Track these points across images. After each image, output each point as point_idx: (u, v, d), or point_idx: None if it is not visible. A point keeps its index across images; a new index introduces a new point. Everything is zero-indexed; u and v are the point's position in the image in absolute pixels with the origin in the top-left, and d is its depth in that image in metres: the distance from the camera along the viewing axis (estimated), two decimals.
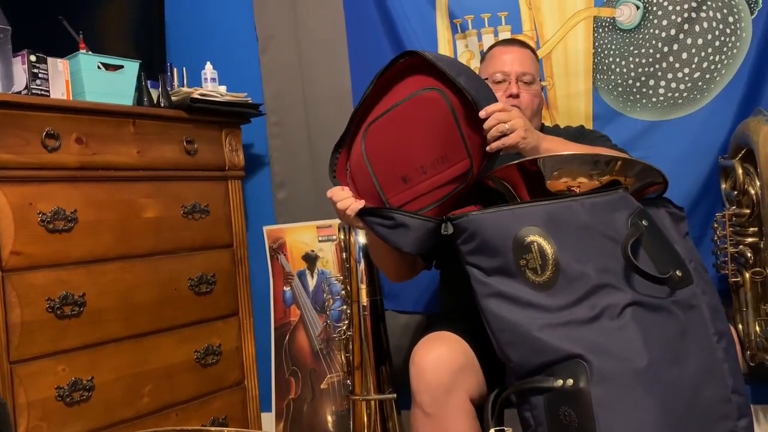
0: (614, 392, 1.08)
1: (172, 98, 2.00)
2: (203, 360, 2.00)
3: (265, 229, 2.38)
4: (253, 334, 2.20)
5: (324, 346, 2.29)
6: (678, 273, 1.17)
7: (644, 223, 1.19)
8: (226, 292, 2.11)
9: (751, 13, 1.90)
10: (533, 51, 1.75)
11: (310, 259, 2.33)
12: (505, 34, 2.12)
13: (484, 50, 2.10)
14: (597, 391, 1.08)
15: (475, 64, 2.16)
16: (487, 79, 1.64)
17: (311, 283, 2.33)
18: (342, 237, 2.19)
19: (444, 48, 2.19)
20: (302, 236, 2.34)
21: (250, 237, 2.27)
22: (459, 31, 2.17)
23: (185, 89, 2.02)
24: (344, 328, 2.03)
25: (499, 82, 1.64)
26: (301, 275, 2.34)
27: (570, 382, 1.10)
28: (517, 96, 1.61)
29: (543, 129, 1.79)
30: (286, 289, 2.35)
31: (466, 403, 1.32)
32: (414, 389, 1.32)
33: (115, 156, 1.82)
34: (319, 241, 2.32)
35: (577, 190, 1.25)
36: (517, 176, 1.31)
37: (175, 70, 2.12)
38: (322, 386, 2.28)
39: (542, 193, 1.25)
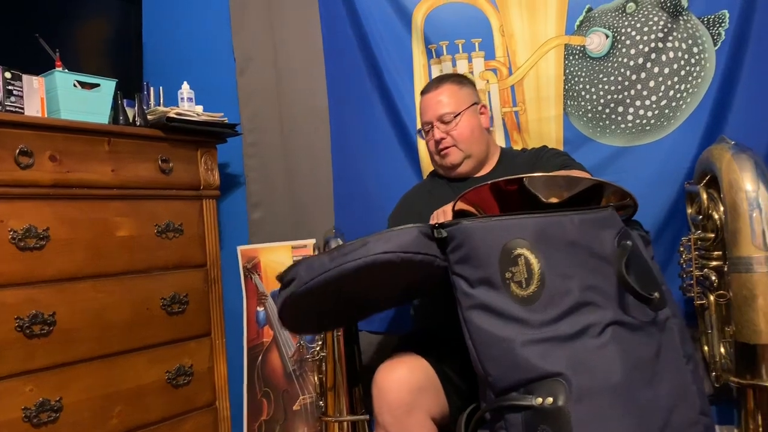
0: (593, 411, 1.09)
1: (148, 117, 1.99)
2: (174, 380, 1.97)
3: (239, 248, 2.37)
4: (225, 355, 2.18)
5: (297, 367, 2.28)
6: (656, 294, 1.19)
7: (629, 243, 1.19)
8: (198, 312, 2.09)
9: (715, 44, 1.97)
10: (455, 80, 1.82)
11: None
12: (478, 61, 2.18)
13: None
14: (576, 409, 1.08)
15: None
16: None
17: None
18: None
19: (419, 73, 2.23)
20: (277, 256, 2.34)
21: (223, 257, 2.26)
22: (434, 56, 2.21)
23: (161, 108, 2.01)
24: (317, 349, 2.02)
25: (427, 132, 1.79)
26: (275, 295, 2.33)
27: (549, 400, 1.09)
28: (440, 140, 1.74)
29: (502, 153, 1.85)
30: (260, 309, 2.34)
31: (427, 422, 1.34)
32: (376, 410, 1.33)
33: (89, 174, 1.80)
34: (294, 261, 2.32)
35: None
36: (490, 197, 1.33)
37: (151, 89, 2.12)
38: (294, 408, 2.26)
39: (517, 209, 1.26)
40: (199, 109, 2.10)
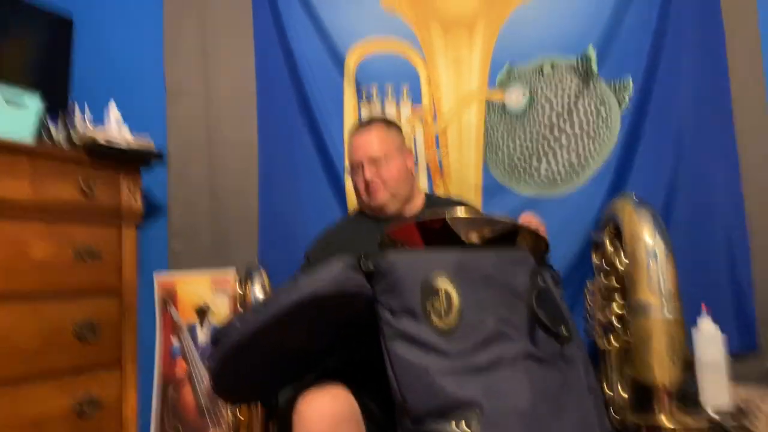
0: None
1: (73, 137, 1.95)
2: (81, 411, 1.89)
3: (157, 278, 2.32)
4: (135, 387, 2.11)
5: (209, 402, 2.23)
6: (564, 330, 1.27)
7: (540, 281, 1.28)
8: (111, 341, 2.02)
9: (620, 108, 2.16)
10: (387, 123, 1.89)
11: (202, 312, 2.30)
12: (406, 106, 2.28)
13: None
14: None
15: None
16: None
17: (201, 336, 2.29)
18: (238, 289, 2.18)
19: (350, 114, 2.30)
20: (195, 287, 2.31)
21: (140, 286, 2.21)
22: (364, 98, 2.30)
23: (90, 131, 1.98)
24: None
25: (356, 172, 1.84)
26: (192, 328, 2.29)
27: (463, 427, 1.15)
28: (370, 181, 1.80)
29: (426, 197, 1.94)
30: (175, 342, 2.29)
31: None
32: None
33: (5, 191, 1.74)
34: (213, 293, 2.30)
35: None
36: (416, 234, 1.40)
37: (77, 107, 2.07)
38: None
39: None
40: (127, 133, 2.07)
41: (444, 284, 1.23)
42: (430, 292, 1.22)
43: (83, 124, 2.04)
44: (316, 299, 1.24)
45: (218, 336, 1.31)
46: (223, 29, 2.41)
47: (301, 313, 1.26)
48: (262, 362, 1.36)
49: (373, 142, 1.83)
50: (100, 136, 1.96)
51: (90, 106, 2.12)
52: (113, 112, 2.09)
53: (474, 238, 1.40)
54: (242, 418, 1.93)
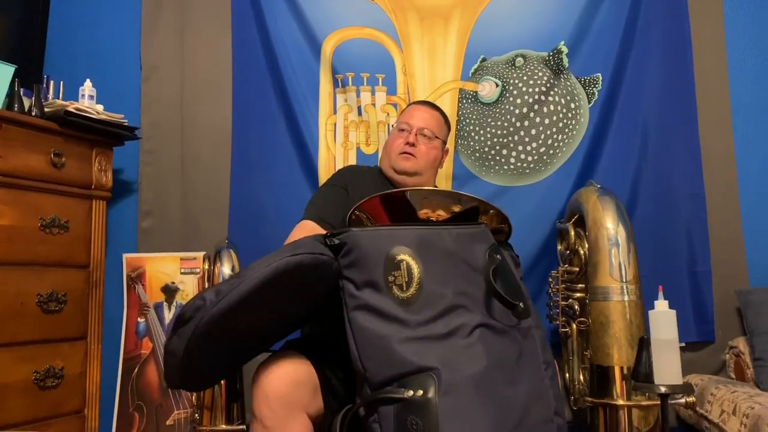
0: (458, 403, 1.18)
1: (46, 109, 1.95)
2: (42, 382, 1.88)
3: (125, 256, 2.32)
4: (99, 362, 2.10)
5: None
6: (521, 305, 1.30)
7: (498, 257, 1.33)
8: (76, 314, 2.02)
9: (589, 102, 2.22)
10: (444, 116, 1.92)
11: (170, 291, 2.30)
12: (381, 94, 2.31)
13: (362, 105, 2.29)
14: (443, 401, 1.16)
15: (352, 118, 2.32)
16: (395, 126, 1.89)
17: (168, 315, 2.29)
18: (206, 268, 2.19)
19: (325, 100, 2.33)
20: (164, 267, 2.31)
21: (108, 262, 2.20)
22: (340, 85, 2.32)
23: (60, 102, 1.98)
24: None
25: (402, 130, 1.84)
26: (158, 307, 2.29)
27: (420, 393, 1.17)
28: (413, 145, 1.80)
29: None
30: (141, 320, 2.29)
31: (303, 417, 1.37)
32: (254, 404, 1.35)
33: None
34: (182, 273, 2.30)
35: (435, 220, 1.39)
36: (380, 207, 1.44)
37: (51, 82, 2.07)
38: (168, 422, 2.21)
39: (404, 221, 1.37)
40: (100, 108, 2.08)
41: (405, 258, 1.27)
42: (392, 265, 1.26)
43: (57, 98, 2.04)
44: (290, 269, 1.25)
45: (188, 312, 1.25)
46: (201, 10, 2.42)
47: (277, 284, 1.26)
48: (230, 343, 1.35)
49: (432, 120, 1.86)
50: (72, 106, 1.96)
51: (65, 83, 2.12)
52: (87, 88, 2.09)
53: (438, 214, 1.43)
54: (206, 400, 1.93)
